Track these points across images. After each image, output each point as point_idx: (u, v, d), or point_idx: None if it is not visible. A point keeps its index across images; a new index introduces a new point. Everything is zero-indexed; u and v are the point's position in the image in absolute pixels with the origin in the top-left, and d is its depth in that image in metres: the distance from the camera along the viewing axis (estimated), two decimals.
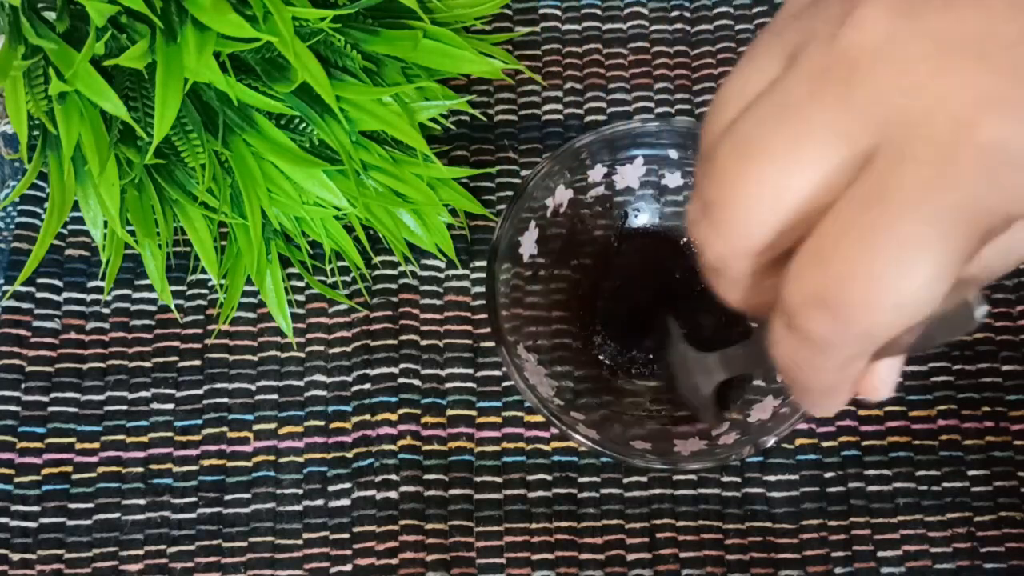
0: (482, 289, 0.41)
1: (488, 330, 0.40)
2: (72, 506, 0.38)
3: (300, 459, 0.39)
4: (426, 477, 0.38)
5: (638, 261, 0.40)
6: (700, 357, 0.33)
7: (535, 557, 0.37)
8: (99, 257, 0.38)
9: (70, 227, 0.42)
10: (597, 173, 0.38)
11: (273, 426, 0.39)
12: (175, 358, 0.40)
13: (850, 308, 0.17)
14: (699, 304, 0.38)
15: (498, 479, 0.39)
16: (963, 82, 0.16)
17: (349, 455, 0.39)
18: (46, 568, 0.37)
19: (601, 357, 0.39)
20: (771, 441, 0.34)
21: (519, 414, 0.39)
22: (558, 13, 0.46)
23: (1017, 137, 0.16)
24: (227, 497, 0.38)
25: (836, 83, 0.17)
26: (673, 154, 0.38)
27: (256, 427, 0.39)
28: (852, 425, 0.39)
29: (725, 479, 0.38)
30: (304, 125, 0.35)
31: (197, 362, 0.40)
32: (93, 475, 0.38)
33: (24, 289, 0.40)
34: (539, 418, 0.39)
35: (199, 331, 0.40)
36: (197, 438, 0.39)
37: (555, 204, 0.38)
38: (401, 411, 0.39)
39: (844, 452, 0.39)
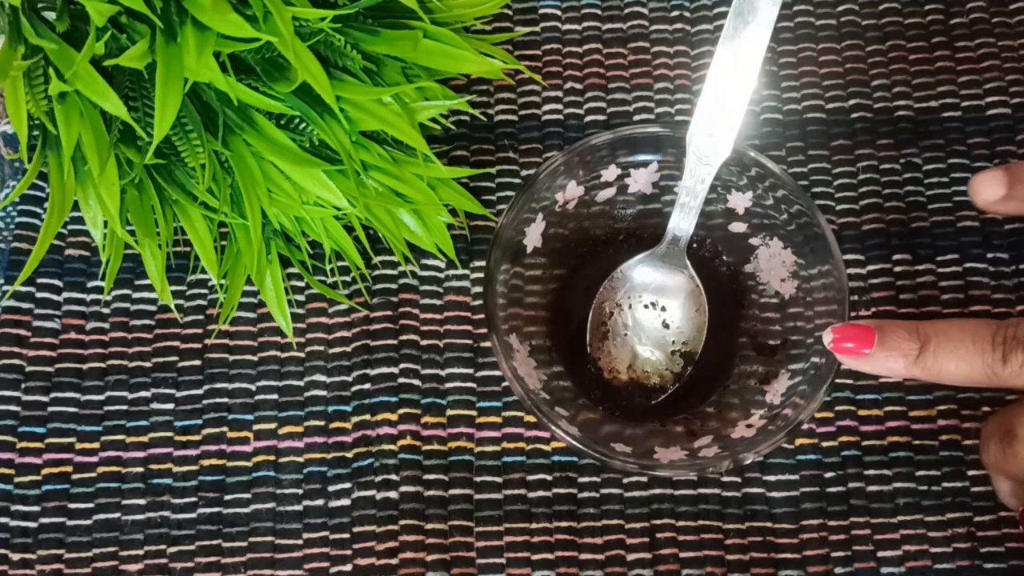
0: (482, 289, 0.41)
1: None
2: (72, 506, 0.38)
3: (300, 459, 0.39)
4: (426, 477, 0.38)
5: None
6: None
7: (535, 557, 0.37)
8: (99, 257, 0.38)
9: (70, 227, 0.42)
10: (611, 173, 0.38)
11: (273, 426, 0.39)
12: (175, 358, 0.40)
13: None
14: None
15: (498, 479, 0.39)
16: None
17: (349, 455, 0.39)
18: (46, 568, 0.37)
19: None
20: (750, 458, 0.33)
21: (519, 414, 0.39)
22: (558, 13, 0.46)
23: None
24: (227, 497, 0.38)
25: None
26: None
27: (256, 427, 0.39)
28: (852, 425, 0.39)
29: (725, 479, 0.38)
30: (304, 125, 0.35)
31: (197, 362, 0.40)
32: (93, 475, 0.38)
33: (24, 289, 0.40)
34: None
35: (199, 331, 0.40)
36: (197, 438, 0.39)
37: (564, 199, 0.38)
38: (401, 411, 0.39)
39: (844, 452, 0.39)
